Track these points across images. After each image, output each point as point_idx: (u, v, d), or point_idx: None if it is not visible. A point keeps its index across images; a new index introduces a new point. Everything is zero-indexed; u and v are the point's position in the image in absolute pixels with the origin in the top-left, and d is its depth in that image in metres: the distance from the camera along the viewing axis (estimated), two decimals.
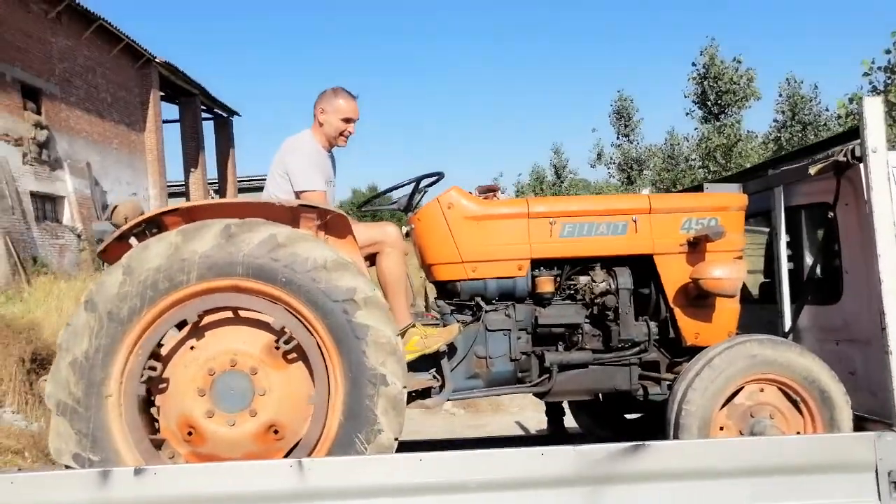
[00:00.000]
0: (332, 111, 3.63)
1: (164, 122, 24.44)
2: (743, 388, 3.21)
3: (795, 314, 3.69)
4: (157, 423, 2.97)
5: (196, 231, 2.85)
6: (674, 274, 3.60)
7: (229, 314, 2.97)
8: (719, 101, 18.34)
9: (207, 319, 2.95)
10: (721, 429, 3.22)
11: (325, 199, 3.52)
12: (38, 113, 17.28)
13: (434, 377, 3.47)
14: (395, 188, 3.92)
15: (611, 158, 24.18)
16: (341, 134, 3.67)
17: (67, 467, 2.70)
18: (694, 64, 18.89)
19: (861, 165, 3.02)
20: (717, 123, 18.38)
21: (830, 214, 3.44)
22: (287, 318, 2.86)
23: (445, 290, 3.72)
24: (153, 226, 3.08)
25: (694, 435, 3.10)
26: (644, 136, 24.39)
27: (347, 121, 3.65)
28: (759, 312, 4.14)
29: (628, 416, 4.66)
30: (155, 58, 22.32)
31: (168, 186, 23.94)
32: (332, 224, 3.21)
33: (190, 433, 2.86)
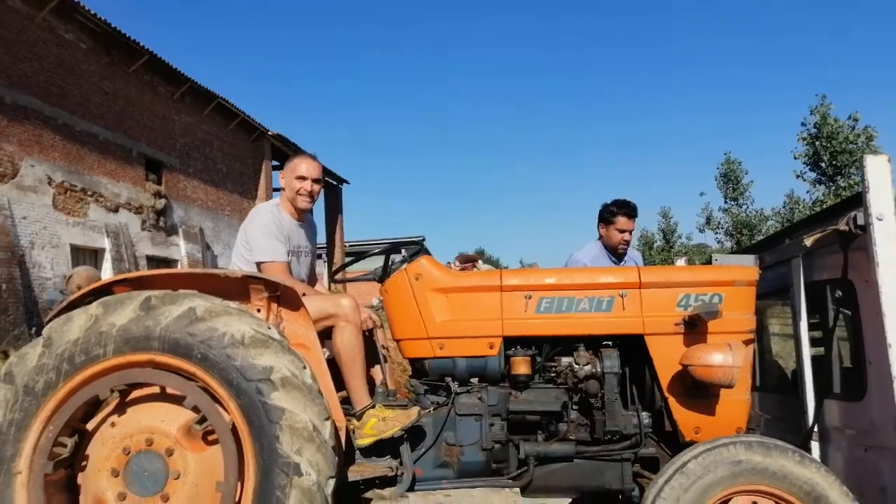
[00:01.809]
0: (287, 172, 3.67)
1: (275, 189, 25.85)
2: (729, 501, 2.66)
3: (818, 410, 3.07)
4: None
5: (117, 303, 2.77)
6: (668, 357, 3.15)
7: (156, 389, 2.85)
8: (834, 162, 16.94)
9: (134, 394, 2.84)
10: None
11: (285, 270, 3.39)
12: (159, 183, 18.81)
13: (392, 465, 3.17)
14: (365, 256, 3.73)
15: (719, 223, 22.88)
16: (298, 193, 3.63)
17: None
18: (804, 123, 17.68)
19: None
20: (832, 186, 16.92)
21: (838, 293, 2.87)
22: (202, 397, 2.69)
23: (416, 367, 3.44)
24: (104, 295, 3.04)
25: None
26: (754, 200, 22.94)
27: (301, 178, 3.63)
28: (789, 405, 3.52)
29: None
30: (268, 131, 23.83)
31: None
32: (284, 297, 3.06)
33: None
